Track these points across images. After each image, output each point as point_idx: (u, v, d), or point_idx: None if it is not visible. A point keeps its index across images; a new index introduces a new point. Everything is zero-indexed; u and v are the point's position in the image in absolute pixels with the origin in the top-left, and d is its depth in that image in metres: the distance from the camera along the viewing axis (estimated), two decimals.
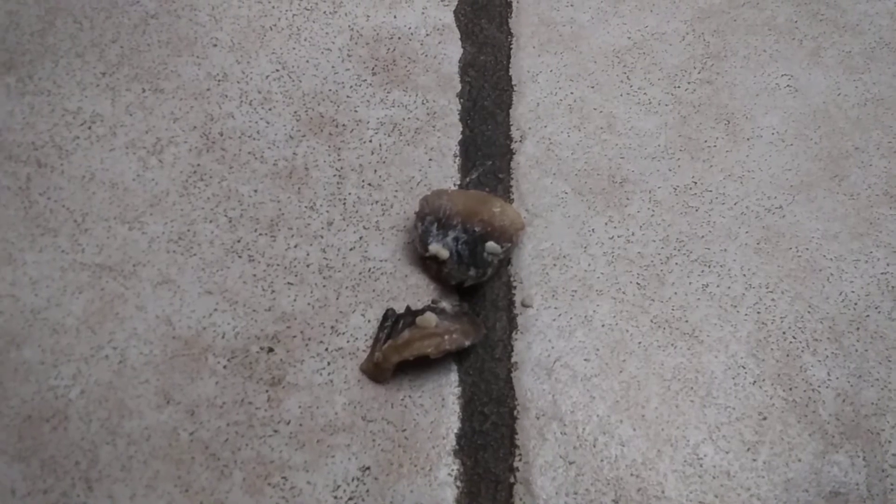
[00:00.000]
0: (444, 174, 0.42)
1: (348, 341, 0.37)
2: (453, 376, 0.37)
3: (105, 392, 0.35)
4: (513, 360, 0.37)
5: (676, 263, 0.40)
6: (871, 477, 0.35)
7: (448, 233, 0.39)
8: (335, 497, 0.34)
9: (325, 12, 0.47)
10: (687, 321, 0.38)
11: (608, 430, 0.36)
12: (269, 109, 0.43)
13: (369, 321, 0.38)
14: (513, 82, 0.45)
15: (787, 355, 0.38)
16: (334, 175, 0.41)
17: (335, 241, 0.40)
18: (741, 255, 0.40)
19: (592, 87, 0.45)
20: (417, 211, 0.39)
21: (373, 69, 0.45)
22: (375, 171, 0.42)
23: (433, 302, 0.38)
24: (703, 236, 0.41)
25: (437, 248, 0.38)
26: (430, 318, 0.36)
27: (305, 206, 0.40)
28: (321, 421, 0.35)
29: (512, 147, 0.43)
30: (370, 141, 0.43)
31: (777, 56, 0.47)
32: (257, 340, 0.37)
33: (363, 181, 0.41)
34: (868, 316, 0.39)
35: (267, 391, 0.36)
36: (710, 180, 0.42)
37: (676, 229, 0.41)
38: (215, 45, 0.45)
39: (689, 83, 0.46)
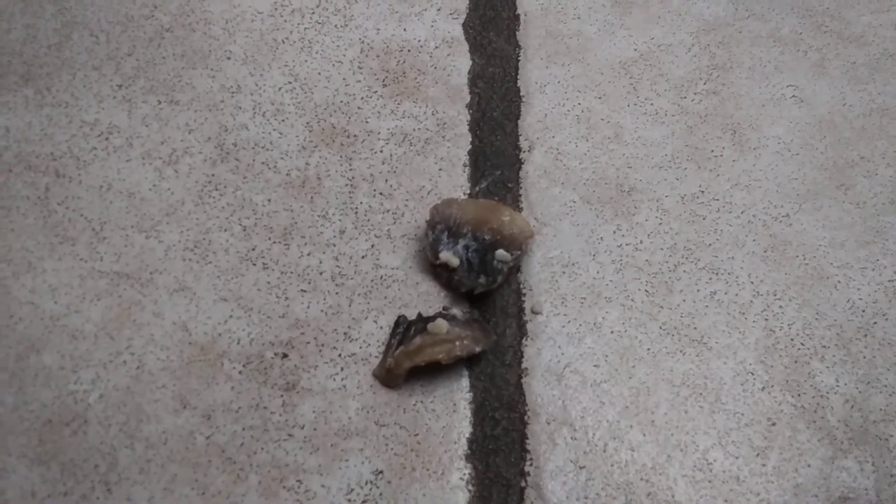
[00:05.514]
0: (454, 183, 0.43)
1: (361, 347, 0.38)
2: (464, 382, 0.37)
3: (123, 397, 0.36)
4: (523, 365, 0.38)
5: (684, 271, 0.40)
6: (879, 482, 0.35)
7: (458, 241, 0.39)
8: (349, 500, 0.34)
9: (336, 25, 0.48)
10: (695, 328, 0.39)
11: (618, 436, 0.36)
12: (282, 121, 0.44)
13: (381, 328, 0.38)
14: (521, 93, 0.46)
15: (796, 362, 0.38)
16: (346, 185, 0.42)
17: (347, 249, 0.40)
18: (749, 263, 0.41)
19: (600, 98, 0.46)
20: (428, 220, 0.40)
21: (383, 81, 0.46)
22: (386, 180, 0.42)
23: (444, 309, 0.38)
24: (710, 244, 0.41)
25: (448, 256, 0.39)
26: (442, 325, 0.37)
27: (318, 215, 0.41)
28: (335, 425, 0.36)
29: (521, 157, 0.44)
30: (381, 151, 0.43)
31: (782, 67, 0.47)
32: (272, 346, 0.37)
33: (374, 190, 0.42)
34: (875, 323, 0.39)
35: (281, 396, 0.36)
36: (717, 189, 0.43)
37: (684, 237, 0.41)
38: (229, 58, 0.46)
39: (695, 94, 0.46)
